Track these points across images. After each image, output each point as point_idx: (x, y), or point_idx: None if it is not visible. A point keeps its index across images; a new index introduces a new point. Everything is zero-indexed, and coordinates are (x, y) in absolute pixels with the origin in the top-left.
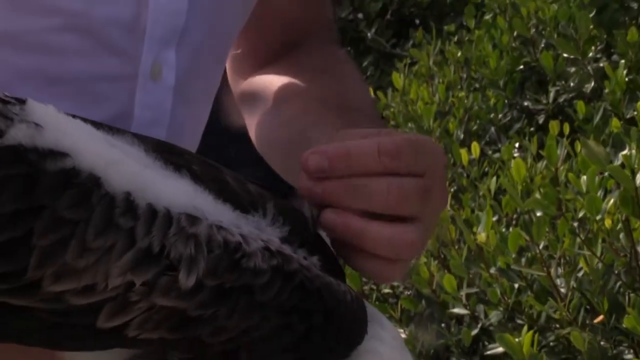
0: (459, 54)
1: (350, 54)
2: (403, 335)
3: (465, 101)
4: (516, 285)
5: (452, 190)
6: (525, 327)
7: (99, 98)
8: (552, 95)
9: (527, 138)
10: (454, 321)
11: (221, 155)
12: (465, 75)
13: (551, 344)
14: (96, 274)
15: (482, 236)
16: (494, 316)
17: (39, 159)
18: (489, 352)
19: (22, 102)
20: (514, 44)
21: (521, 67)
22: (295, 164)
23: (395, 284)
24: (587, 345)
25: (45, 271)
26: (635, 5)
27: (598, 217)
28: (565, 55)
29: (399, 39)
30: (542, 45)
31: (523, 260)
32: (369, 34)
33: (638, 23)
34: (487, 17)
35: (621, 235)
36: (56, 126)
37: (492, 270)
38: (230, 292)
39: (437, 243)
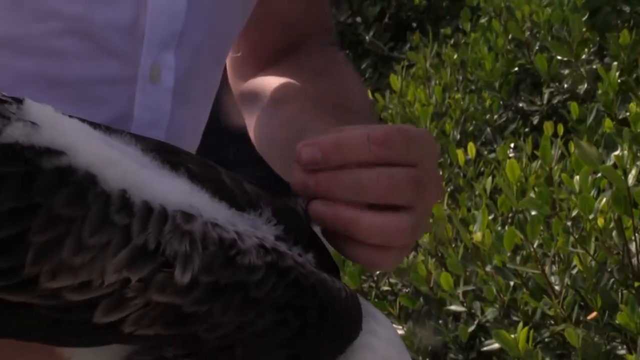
0: (455, 56)
1: (349, 57)
2: (401, 332)
3: (462, 103)
4: (511, 283)
5: (448, 189)
6: (521, 324)
7: (99, 100)
8: (546, 96)
9: (522, 138)
10: (451, 318)
11: (221, 156)
12: (461, 77)
13: (546, 340)
14: (92, 271)
15: (478, 235)
16: (490, 313)
17: (35, 157)
18: (485, 348)
19: (19, 101)
20: (509, 47)
21: (516, 69)
22: (294, 163)
23: (394, 281)
24: (581, 341)
25: (41, 268)
26: (627, 9)
27: (591, 216)
28: (559, 57)
29: (396, 42)
30: (537, 47)
31: (518, 258)
32: (367, 37)
33: (630, 26)
34: (483, 20)
35: (614, 234)
36: (53, 125)
37: (488, 268)
38: (225, 288)
39: (434, 242)
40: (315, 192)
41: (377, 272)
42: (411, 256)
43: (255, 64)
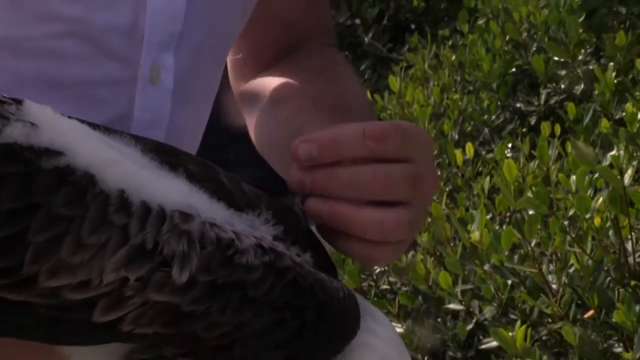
0: (453, 57)
1: (348, 59)
2: (400, 330)
3: (460, 103)
4: (509, 282)
5: (447, 189)
6: (519, 322)
7: (99, 102)
8: (543, 97)
9: (519, 139)
10: (450, 316)
11: (221, 156)
12: (459, 78)
13: (543, 338)
14: (91, 270)
15: (476, 234)
16: (488, 311)
17: (34, 157)
18: (483, 346)
19: (19, 102)
20: (506, 48)
21: (513, 70)
22: (293, 162)
23: (393, 280)
24: (578, 339)
25: (41, 267)
26: (623, 10)
27: (588, 216)
28: (556, 58)
29: (395, 43)
30: (534, 48)
31: (516, 257)
32: (366, 39)
33: (626, 27)
34: (480, 21)
35: (610, 233)
36: (52, 126)
37: (486, 267)
38: (223, 287)
39: (433, 241)
40: (312, 189)
41: (377, 271)
42: (410, 255)
43: (255, 65)
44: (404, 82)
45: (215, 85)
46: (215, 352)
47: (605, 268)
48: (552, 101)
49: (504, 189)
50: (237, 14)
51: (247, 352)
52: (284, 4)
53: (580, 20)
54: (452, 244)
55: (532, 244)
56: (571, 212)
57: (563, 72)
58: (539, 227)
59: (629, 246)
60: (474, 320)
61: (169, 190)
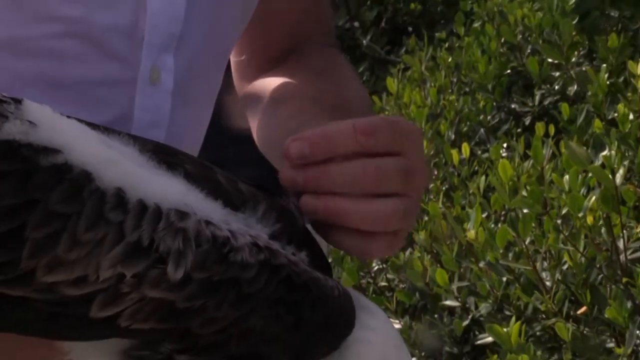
0: (450, 59)
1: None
2: (398, 326)
3: (456, 104)
4: (504, 279)
5: (443, 188)
6: (513, 318)
7: (100, 102)
8: (537, 98)
9: (514, 139)
10: (446, 313)
11: (221, 156)
12: (455, 80)
13: (538, 333)
14: (87, 266)
15: (471, 232)
16: (484, 308)
17: (32, 155)
18: (479, 342)
19: (18, 101)
20: (501, 50)
21: (508, 71)
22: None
23: (391, 277)
24: (571, 335)
25: (38, 262)
26: (615, 13)
27: (580, 214)
28: (549, 60)
29: (392, 46)
30: (528, 50)
31: (510, 255)
32: (364, 42)
33: (618, 29)
34: (476, 24)
35: (602, 231)
36: (50, 124)
37: (482, 265)
38: (218, 284)
39: (429, 239)
40: (305, 187)
41: (375, 268)
42: (407, 253)
43: (258, 66)
44: (401, 83)
45: (216, 86)
46: (212, 348)
47: (598, 265)
48: (546, 102)
49: (499, 188)
50: (237, 14)
51: (243, 347)
52: (285, 5)
53: (574, 23)
54: (448, 242)
55: (527, 242)
56: (564, 211)
57: (557, 74)
58: (533, 225)
59: (620, 244)
60: (469, 317)
61: (166, 188)
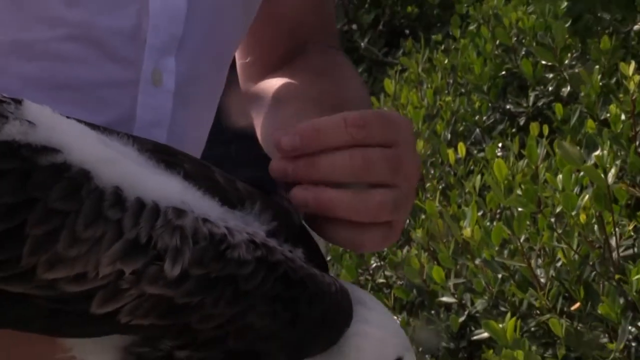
0: (446, 61)
1: None
2: None
3: (452, 105)
4: (499, 276)
5: (440, 187)
6: (509, 314)
7: (103, 103)
8: (532, 98)
9: (509, 139)
10: (443, 309)
11: (222, 154)
12: (451, 81)
13: (532, 329)
14: (87, 263)
15: (467, 230)
16: (480, 304)
17: (32, 154)
18: (475, 337)
19: (18, 102)
20: (496, 52)
21: (503, 73)
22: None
23: (389, 274)
24: (565, 331)
25: (38, 259)
26: (607, 16)
27: (574, 213)
28: (543, 62)
29: (390, 48)
30: (523, 53)
31: (506, 252)
32: (362, 44)
33: (610, 32)
34: (472, 27)
35: (595, 229)
36: (50, 124)
37: (477, 262)
38: (216, 281)
39: (426, 237)
40: (294, 177)
41: (373, 265)
42: (405, 250)
43: (263, 67)
44: (398, 85)
45: (219, 86)
46: (211, 344)
47: (591, 262)
48: (540, 103)
49: (495, 187)
50: (237, 17)
51: (240, 344)
52: (289, 6)
53: (567, 26)
54: (445, 240)
55: (521, 240)
56: (558, 209)
57: (550, 75)
58: (528, 223)
59: (613, 242)
60: (466, 313)
61: (164, 187)
